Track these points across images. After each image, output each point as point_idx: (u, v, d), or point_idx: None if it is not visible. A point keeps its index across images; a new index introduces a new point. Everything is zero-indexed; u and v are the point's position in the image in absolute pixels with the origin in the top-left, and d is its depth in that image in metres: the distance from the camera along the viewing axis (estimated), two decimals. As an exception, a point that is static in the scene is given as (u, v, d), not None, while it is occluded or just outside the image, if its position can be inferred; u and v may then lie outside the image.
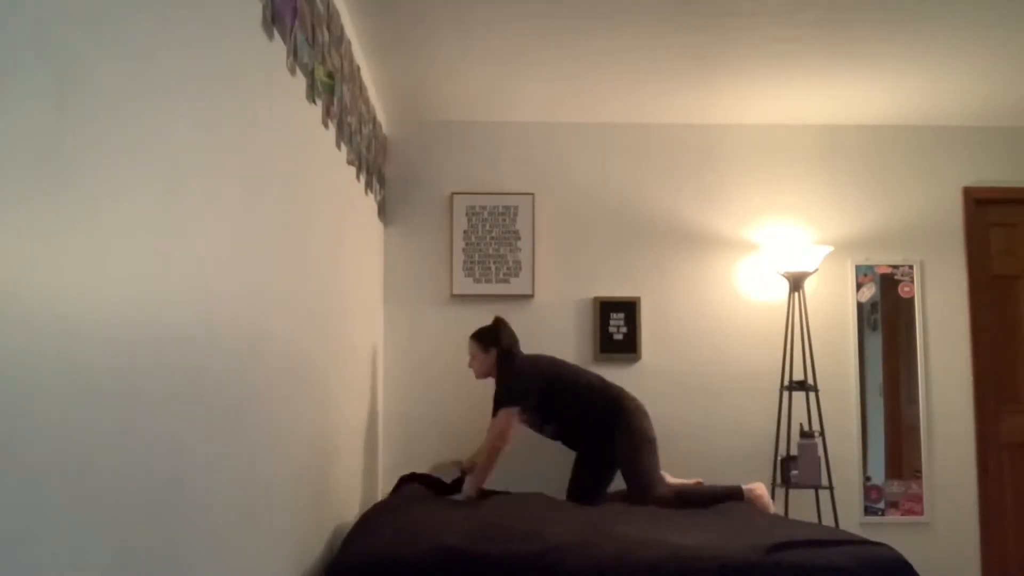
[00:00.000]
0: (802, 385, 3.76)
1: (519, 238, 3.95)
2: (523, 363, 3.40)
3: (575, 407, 3.36)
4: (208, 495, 1.42)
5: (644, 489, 3.16)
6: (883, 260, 4.04)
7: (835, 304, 4.02)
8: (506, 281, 3.93)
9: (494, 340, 3.43)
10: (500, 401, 3.32)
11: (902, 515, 3.91)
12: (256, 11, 1.71)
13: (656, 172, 4.06)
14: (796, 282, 3.83)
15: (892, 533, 3.74)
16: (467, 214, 3.95)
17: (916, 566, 2.20)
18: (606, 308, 3.95)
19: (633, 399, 3.39)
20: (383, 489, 3.72)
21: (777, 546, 2.22)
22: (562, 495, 3.38)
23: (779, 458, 3.79)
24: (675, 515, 2.79)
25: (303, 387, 2.17)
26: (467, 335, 3.92)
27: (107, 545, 1.05)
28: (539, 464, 3.68)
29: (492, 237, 3.95)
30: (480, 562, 2.17)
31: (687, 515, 2.80)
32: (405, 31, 3.03)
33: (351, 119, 2.87)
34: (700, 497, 3.15)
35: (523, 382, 3.32)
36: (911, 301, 4.03)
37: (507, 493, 3.35)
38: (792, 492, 3.71)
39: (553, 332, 3.95)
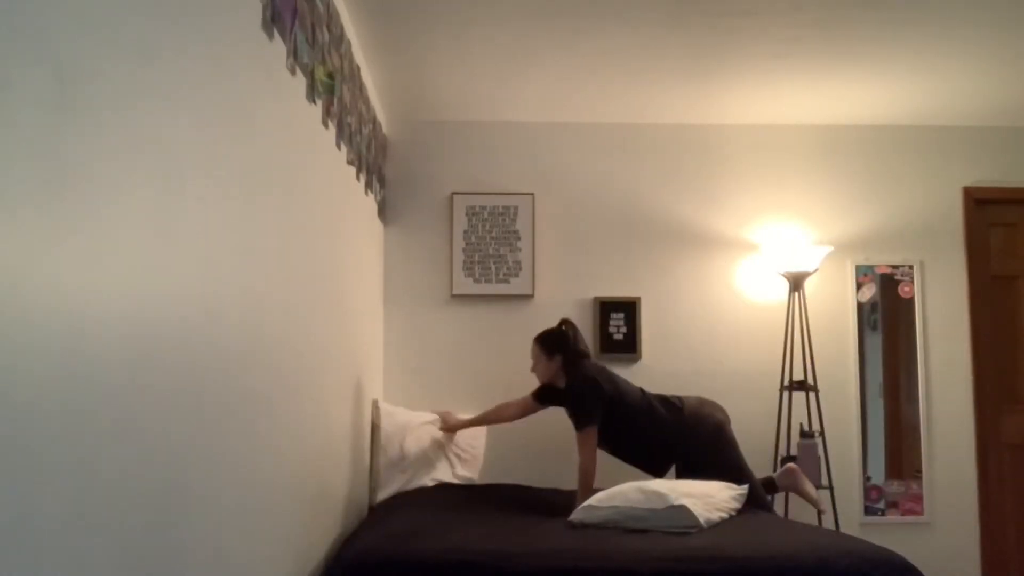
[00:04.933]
0: (802, 385, 3.76)
1: (519, 238, 3.95)
2: (590, 378, 3.13)
3: (633, 436, 3.17)
4: (208, 495, 1.42)
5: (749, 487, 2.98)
6: (883, 260, 4.04)
7: (835, 304, 4.02)
8: (506, 281, 3.93)
9: (559, 346, 3.20)
10: (580, 420, 3.09)
11: (902, 515, 3.91)
12: (256, 11, 1.71)
13: (656, 172, 4.06)
14: (796, 282, 3.83)
15: (892, 533, 3.74)
16: (467, 214, 3.95)
17: (916, 566, 2.19)
18: (606, 308, 3.95)
19: (692, 407, 3.20)
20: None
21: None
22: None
23: (779, 458, 3.78)
24: None
25: (303, 387, 2.17)
26: (467, 335, 3.93)
27: (107, 545, 1.05)
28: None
29: (492, 237, 3.95)
30: (481, 562, 2.17)
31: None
32: (405, 31, 3.03)
33: (351, 119, 2.87)
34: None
35: (592, 401, 3.08)
36: (911, 301, 4.03)
37: (525, 487, 3.36)
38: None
39: (553, 332, 3.94)
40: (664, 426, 3.12)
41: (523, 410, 3.40)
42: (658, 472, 3.18)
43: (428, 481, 3.40)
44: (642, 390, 3.24)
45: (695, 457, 3.08)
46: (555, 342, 3.20)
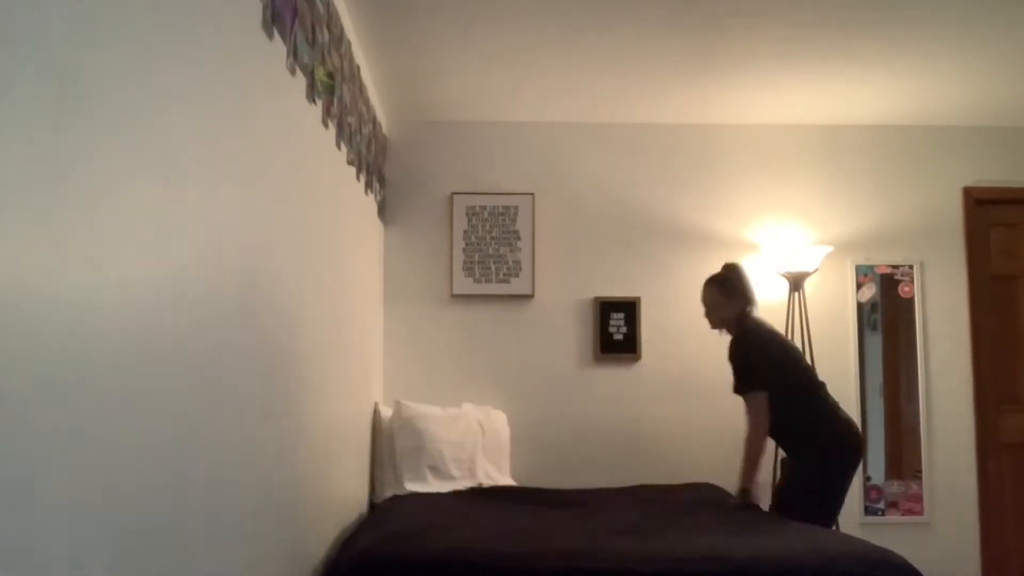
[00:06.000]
0: (802, 385, 3.75)
1: (519, 238, 3.95)
2: (759, 340, 2.95)
3: (797, 412, 2.92)
4: (209, 496, 1.42)
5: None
6: (883, 260, 4.04)
7: (835, 304, 4.02)
8: (506, 281, 3.93)
9: (738, 289, 3.03)
10: (743, 385, 2.89)
11: (902, 515, 3.91)
12: (256, 11, 1.71)
13: (656, 172, 4.05)
14: (796, 282, 3.83)
15: (892, 533, 3.74)
16: (467, 214, 3.95)
17: (916, 566, 2.19)
18: (606, 308, 3.94)
19: (848, 432, 2.92)
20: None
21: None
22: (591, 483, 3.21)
23: (779, 458, 3.78)
24: (682, 516, 2.77)
25: (303, 387, 2.17)
26: (467, 335, 3.92)
27: (107, 546, 1.05)
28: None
29: (492, 237, 3.95)
30: (481, 563, 2.17)
31: (693, 517, 2.76)
32: (405, 31, 3.03)
33: (351, 119, 2.87)
34: None
35: (760, 366, 2.87)
36: (911, 301, 4.03)
37: (525, 488, 3.36)
38: (792, 492, 3.71)
39: (553, 332, 3.94)
40: (827, 417, 2.90)
41: (761, 417, 2.92)
42: (796, 457, 3.00)
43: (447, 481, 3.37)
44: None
45: (825, 467, 2.84)
46: (734, 285, 3.05)
